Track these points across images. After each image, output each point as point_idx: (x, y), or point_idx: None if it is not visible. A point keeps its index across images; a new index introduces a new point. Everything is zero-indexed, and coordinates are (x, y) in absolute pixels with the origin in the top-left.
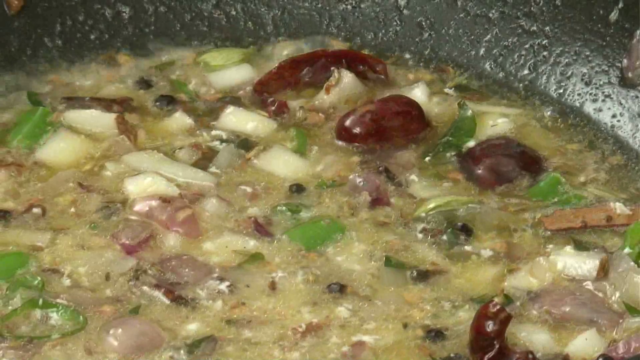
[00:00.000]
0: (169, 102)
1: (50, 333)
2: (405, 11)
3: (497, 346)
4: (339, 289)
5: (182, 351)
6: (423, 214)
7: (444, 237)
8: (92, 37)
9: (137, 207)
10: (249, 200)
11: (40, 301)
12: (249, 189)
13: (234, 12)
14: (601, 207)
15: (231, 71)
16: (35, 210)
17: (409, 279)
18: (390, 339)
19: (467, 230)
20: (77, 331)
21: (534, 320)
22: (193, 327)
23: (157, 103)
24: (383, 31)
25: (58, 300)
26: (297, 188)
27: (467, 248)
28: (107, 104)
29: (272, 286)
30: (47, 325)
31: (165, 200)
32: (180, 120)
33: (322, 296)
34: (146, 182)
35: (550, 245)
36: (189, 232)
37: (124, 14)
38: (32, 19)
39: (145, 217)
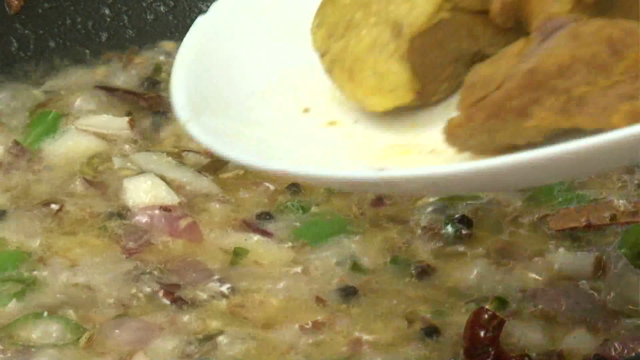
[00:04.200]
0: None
1: (48, 340)
2: None
3: (492, 352)
4: (349, 291)
5: (192, 346)
6: (422, 210)
7: (443, 232)
8: (92, 37)
9: (138, 218)
10: (252, 202)
11: (45, 313)
12: (253, 191)
13: None
14: (605, 205)
15: None
16: (44, 209)
17: (411, 277)
18: (391, 336)
19: (466, 222)
20: (75, 341)
21: (529, 319)
22: (195, 325)
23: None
24: None
25: (68, 312)
26: (295, 188)
27: (466, 246)
28: (134, 98)
29: (276, 285)
30: (45, 332)
31: (166, 209)
32: None
33: (327, 294)
34: (145, 185)
35: (550, 244)
36: (191, 239)
37: (124, 14)
38: (32, 19)
39: (147, 226)
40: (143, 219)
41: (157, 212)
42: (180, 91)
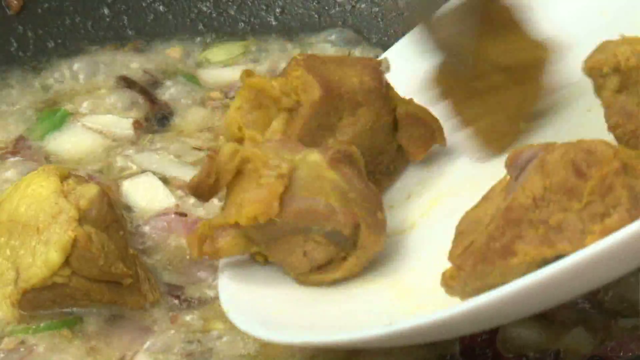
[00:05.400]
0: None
1: (48, 338)
2: (405, 11)
3: (490, 354)
4: None
5: (193, 345)
6: None
7: None
8: (92, 37)
9: (153, 224)
10: None
11: (49, 311)
12: None
13: (232, 12)
14: None
15: (226, 70)
16: None
17: None
18: None
19: None
20: (76, 340)
21: (527, 319)
22: (198, 324)
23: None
24: (383, 31)
25: (69, 310)
26: None
27: None
28: (143, 98)
29: None
30: (46, 330)
31: (181, 214)
32: (200, 119)
33: None
34: (143, 187)
35: None
36: None
37: (124, 14)
38: (32, 19)
39: (162, 231)
40: (157, 224)
41: (172, 216)
42: (225, 289)
